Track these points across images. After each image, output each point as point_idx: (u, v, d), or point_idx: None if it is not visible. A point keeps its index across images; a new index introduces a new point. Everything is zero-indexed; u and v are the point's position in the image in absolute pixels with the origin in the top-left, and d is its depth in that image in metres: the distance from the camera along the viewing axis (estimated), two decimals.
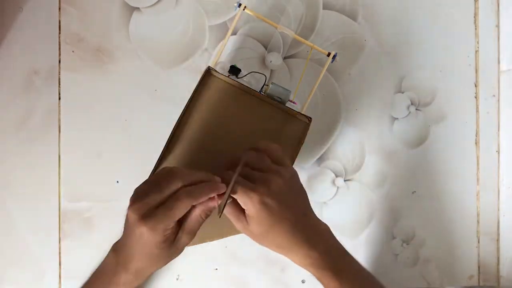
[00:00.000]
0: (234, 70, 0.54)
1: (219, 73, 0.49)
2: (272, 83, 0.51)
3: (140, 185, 0.43)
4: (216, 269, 0.58)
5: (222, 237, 0.50)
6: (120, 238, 0.45)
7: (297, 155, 0.49)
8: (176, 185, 0.41)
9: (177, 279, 0.58)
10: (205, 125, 0.49)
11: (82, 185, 0.57)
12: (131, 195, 0.42)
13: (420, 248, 0.59)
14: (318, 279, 0.44)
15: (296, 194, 0.44)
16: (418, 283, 0.59)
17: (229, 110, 0.49)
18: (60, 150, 0.57)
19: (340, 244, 0.46)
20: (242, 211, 0.43)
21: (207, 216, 0.43)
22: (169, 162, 0.49)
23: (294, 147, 0.50)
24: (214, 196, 0.42)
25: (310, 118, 0.50)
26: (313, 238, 0.43)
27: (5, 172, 0.57)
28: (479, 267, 0.60)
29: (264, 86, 0.52)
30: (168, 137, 0.49)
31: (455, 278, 0.59)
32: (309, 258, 0.43)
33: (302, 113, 0.50)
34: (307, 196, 0.45)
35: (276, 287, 0.58)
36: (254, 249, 0.58)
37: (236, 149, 0.48)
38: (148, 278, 0.49)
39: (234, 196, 0.42)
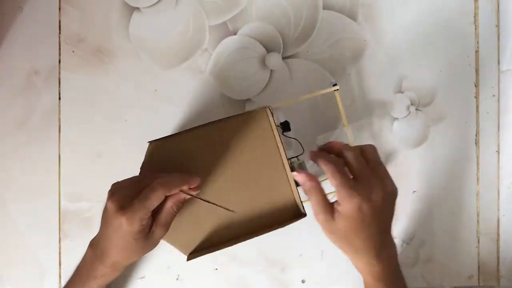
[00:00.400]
0: (285, 126, 0.53)
1: (273, 116, 0.49)
2: (303, 161, 0.50)
3: (118, 181, 0.47)
4: (216, 269, 0.58)
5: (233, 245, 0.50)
6: (98, 233, 0.48)
7: (268, 231, 0.48)
8: (151, 179, 0.44)
9: (177, 279, 0.58)
10: (223, 142, 0.49)
11: (82, 185, 0.57)
12: (109, 189, 0.45)
13: (420, 248, 0.59)
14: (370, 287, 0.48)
15: (388, 211, 0.45)
16: (418, 283, 0.59)
17: (252, 148, 0.49)
18: (60, 150, 0.57)
19: (399, 266, 0.48)
20: (331, 205, 0.44)
21: (178, 208, 0.46)
22: (169, 143, 0.49)
23: (273, 224, 0.49)
24: (184, 189, 0.45)
25: (306, 214, 0.49)
26: (383, 253, 0.45)
27: (5, 172, 0.57)
28: (479, 267, 0.60)
29: (295, 158, 0.51)
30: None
31: (455, 278, 0.59)
32: (372, 267, 0.45)
33: (303, 204, 0.50)
34: (393, 217, 0.46)
35: (276, 287, 0.58)
36: (254, 249, 0.58)
37: (226, 177, 0.49)
38: (125, 270, 0.50)
39: (335, 184, 0.43)
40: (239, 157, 0.49)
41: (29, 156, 0.57)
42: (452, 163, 0.59)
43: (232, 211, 0.48)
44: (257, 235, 0.48)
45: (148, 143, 0.50)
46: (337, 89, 0.53)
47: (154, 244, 0.47)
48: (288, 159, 0.50)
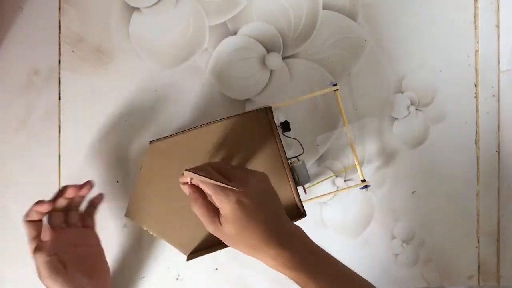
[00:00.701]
0: (285, 126, 0.54)
1: (273, 116, 0.50)
2: (303, 162, 0.51)
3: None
4: (216, 269, 0.58)
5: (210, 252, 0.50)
6: None
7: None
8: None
9: (177, 279, 0.58)
10: (223, 141, 0.49)
11: None
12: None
13: (420, 248, 0.59)
14: (294, 280, 0.43)
15: (269, 195, 0.44)
16: (418, 283, 0.59)
17: (252, 148, 0.50)
18: (60, 150, 0.57)
19: (315, 245, 0.45)
20: (216, 212, 0.43)
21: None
22: (169, 143, 0.49)
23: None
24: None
25: (305, 214, 0.50)
26: (284, 238, 0.43)
27: (5, 172, 0.57)
28: (479, 267, 0.60)
29: (295, 158, 0.52)
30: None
31: (455, 278, 0.59)
32: (280, 258, 0.42)
33: (303, 204, 0.50)
34: (278, 198, 0.45)
35: (276, 287, 0.58)
36: None
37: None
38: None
39: (210, 193, 0.42)
40: (239, 157, 0.49)
41: (29, 156, 0.57)
42: (452, 163, 0.59)
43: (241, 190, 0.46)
44: None
45: (148, 143, 0.50)
46: (337, 89, 0.53)
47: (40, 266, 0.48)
48: (288, 159, 0.50)
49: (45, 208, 0.47)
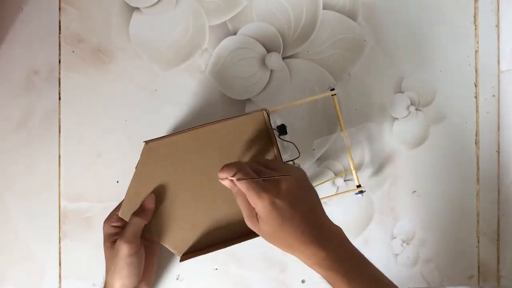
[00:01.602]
0: (281, 129, 0.53)
1: (269, 119, 0.50)
2: (299, 165, 0.51)
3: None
4: (216, 269, 0.58)
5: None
6: None
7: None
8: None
9: (177, 279, 0.58)
10: (219, 143, 0.49)
11: (82, 185, 0.57)
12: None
13: (420, 248, 0.59)
14: (327, 280, 0.43)
15: (305, 193, 0.44)
16: (418, 283, 0.59)
17: (248, 152, 0.50)
18: (60, 150, 0.57)
19: (353, 247, 0.44)
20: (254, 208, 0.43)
21: (144, 216, 0.49)
22: (164, 143, 0.50)
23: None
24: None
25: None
26: (321, 237, 0.42)
27: (5, 172, 0.57)
28: (479, 267, 0.60)
29: (292, 161, 0.52)
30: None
31: (455, 278, 0.59)
32: (315, 257, 0.42)
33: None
34: (317, 195, 0.45)
35: (276, 287, 0.58)
36: (254, 249, 0.58)
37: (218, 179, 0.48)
38: None
39: (244, 192, 0.42)
40: (234, 159, 0.49)
41: (29, 156, 0.57)
42: (452, 163, 0.59)
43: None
44: (251, 238, 0.48)
45: (144, 143, 0.50)
46: (335, 94, 0.53)
47: (117, 257, 0.49)
48: (284, 163, 0.50)
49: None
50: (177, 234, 0.49)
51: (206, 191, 0.49)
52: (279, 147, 0.50)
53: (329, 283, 0.43)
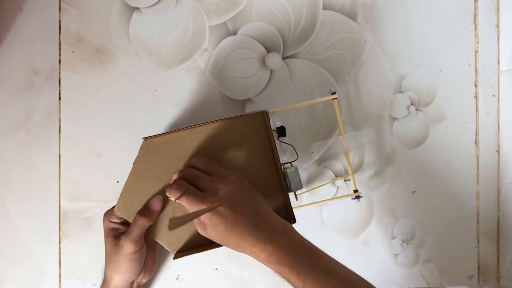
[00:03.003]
0: (280, 131, 0.54)
1: (269, 120, 0.50)
2: (296, 168, 0.51)
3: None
4: (216, 269, 0.58)
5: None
6: None
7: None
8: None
9: (177, 279, 0.58)
10: (217, 142, 0.50)
11: (82, 185, 0.57)
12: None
13: (420, 248, 0.59)
14: (280, 275, 0.44)
15: (245, 194, 0.46)
16: (418, 283, 0.59)
17: (246, 152, 0.50)
18: (60, 150, 0.57)
19: (304, 240, 0.45)
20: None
21: (149, 217, 0.49)
22: (162, 140, 0.50)
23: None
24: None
25: (295, 220, 0.49)
26: (267, 234, 0.44)
27: (5, 172, 0.57)
28: (479, 267, 0.60)
29: (289, 164, 0.52)
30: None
31: (455, 278, 0.59)
32: (264, 254, 0.43)
33: (293, 210, 0.50)
34: (257, 194, 0.47)
35: (276, 287, 0.58)
36: None
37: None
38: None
39: (186, 207, 0.45)
40: (232, 159, 0.49)
41: (29, 156, 0.57)
42: (452, 163, 0.59)
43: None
44: None
45: (143, 139, 0.50)
46: (336, 98, 0.53)
47: (119, 254, 0.49)
48: (281, 165, 0.50)
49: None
50: (172, 232, 0.49)
51: None
52: (277, 149, 0.50)
53: (283, 278, 0.44)
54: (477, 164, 0.60)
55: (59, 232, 0.57)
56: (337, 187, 0.59)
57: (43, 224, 0.57)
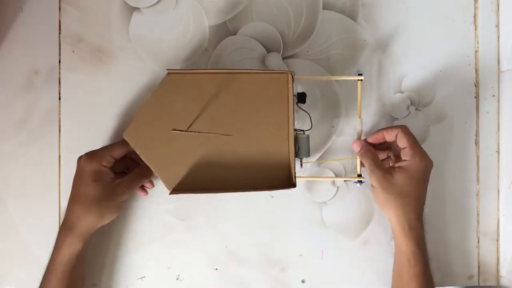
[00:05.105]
0: (301, 96, 0.55)
1: (293, 82, 0.50)
2: (308, 136, 0.52)
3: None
4: (216, 269, 0.58)
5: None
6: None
7: (255, 190, 0.49)
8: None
9: (177, 279, 0.58)
10: (236, 91, 0.50)
11: None
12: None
13: None
14: (402, 250, 0.51)
15: (428, 181, 0.52)
16: None
17: (262, 105, 0.50)
18: (60, 150, 0.57)
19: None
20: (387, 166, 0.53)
21: (143, 177, 0.53)
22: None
23: (263, 185, 0.49)
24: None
25: (295, 185, 0.49)
26: (421, 221, 0.52)
27: (5, 172, 0.57)
28: (479, 267, 0.60)
29: (302, 131, 0.53)
30: None
31: (455, 278, 0.59)
32: (415, 231, 0.51)
33: (295, 175, 0.50)
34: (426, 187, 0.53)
35: (276, 287, 0.58)
36: (254, 249, 0.58)
37: (232, 117, 0.49)
38: (90, 239, 0.51)
39: (404, 145, 0.51)
40: (249, 112, 0.50)
41: (29, 156, 0.57)
42: (452, 163, 0.59)
43: (229, 135, 0.49)
44: (243, 191, 0.49)
45: (167, 72, 0.49)
46: (361, 79, 0.53)
47: (115, 203, 0.51)
48: (294, 130, 0.50)
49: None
50: (172, 168, 0.49)
51: (213, 137, 0.49)
52: (294, 114, 0.50)
53: (406, 255, 0.51)
54: (477, 164, 0.60)
55: None
56: (337, 187, 0.59)
57: (43, 224, 0.57)
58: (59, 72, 0.57)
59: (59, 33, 0.57)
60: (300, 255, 0.58)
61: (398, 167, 0.51)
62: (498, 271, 0.60)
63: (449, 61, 0.59)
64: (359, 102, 0.53)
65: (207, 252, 0.58)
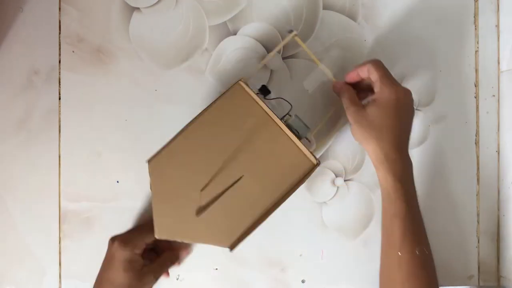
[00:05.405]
0: (264, 90, 0.54)
1: (248, 87, 0.50)
2: (295, 115, 0.51)
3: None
4: (216, 269, 0.58)
5: (199, 243, 0.51)
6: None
7: (293, 191, 0.49)
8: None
9: (177, 279, 0.58)
10: (215, 130, 0.49)
11: (82, 185, 0.57)
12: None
13: None
14: (385, 184, 0.49)
15: (412, 113, 0.51)
16: None
17: (244, 124, 0.49)
18: (60, 150, 0.57)
19: (415, 187, 0.50)
20: (360, 102, 0.51)
21: (176, 262, 0.55)
22: (165, 154, 0.49)
23: (293, 183, 0.49)
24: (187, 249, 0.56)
25: (319, 161, 0.49)
26: (404, 154, 0.49)
27: (5, 172, 0.57)
28: (479, 267, 0.60)
29: (287, 115, 0.52)
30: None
31: (455, 278, 0.59)
32: (392, 163, 0.48)
33: (313, 153, 0.49)
34: (412, 117, 0.51)
35: (276, 287, 0.58)
36: (254, 249, 0.58)
37: (232, 160, 0.49)
38: None
39: (377, 78, 0.49)
40: (234, 137, 0.49)
41: (29, 156, 0.57)
42: (452, 163, 0.59)
43: (241, 177, 0.49)
44: (281, 203, 0.49)
45: (147, 162, 0.49)
46: (296, 34, 0.54)
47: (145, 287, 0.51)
48: (281, 119, 0.50)
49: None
50: (217, 230, 0.49)
51: (223, 176, 0.49)
52: (270, 107, 0.50)
53: (386, 190, 0.49)
54: (477, 164, 0.60)
55: (59, 232, 0.57)
56: (337, 187, 0.59)
57: (43, 224, 0.57)
58: (59, 72, 0.57)
59: (59, 33, 0.57)
60: (300, 255, 0.58)
61: (371, 100, 0.49)
62: (498, 271, 0.60)
63: (449, 61, 0.59)
64: (308, 52, 0.55)
65: (207, 252, 0.58)
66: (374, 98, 0.49)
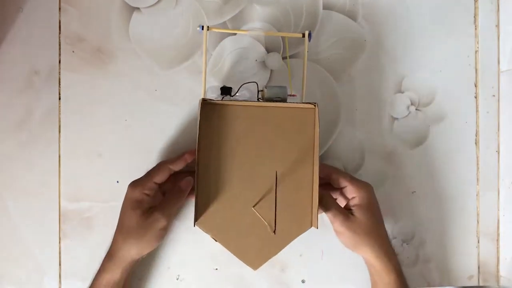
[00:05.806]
0: (225, 90, 0.53)
1: (213, 100, 0.49)
2: (265, 86, 0.51)
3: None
4: (216, 269, 0.58)
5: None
6: None
7: (318, 143, 0.49)
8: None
9: (177, 279, 0.58)
10: (222, 151, 0.49)
11: (82, 185, 0.57)
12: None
13: (420, 248, 0.59)
14: (378, 268, 0.51)
15: (377, 207, 0.52)
16: (418, 283, 0.59)
17: (240, 128, 0.49)
18: (60, 150, 0.57)
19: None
20: (344, 209, 0.51)
21: (182, 196, 0.51)
22: (204, 201, 0.48)
23: (312, 136, 0.49)
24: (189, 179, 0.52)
25: (315, 103, 0.49)
26: (393, 253, 0.52)
27: (5, 172, 0.57)
28: (479, 267, 0.60)
29: (259, 92, 0.52)
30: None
31: (455, 278, 0.59)
32: (393, 259, 0.51)
33: (304, 102, 0.49)
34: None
35: (276, 287, 0.58)
36: None
37: (265, 160, 0.49)
38: (130, 269, 0.52)
39: (346, 183, 0.51)
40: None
41: (29, 156, 0.57)
42: (452, 163, 0.59)
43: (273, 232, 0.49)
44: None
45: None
46: (305, 36, 0.52)
47: (151, 229, 0.50)
48: (258, 100, 0.51)
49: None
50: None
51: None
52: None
53: (381, 272, 0.51)
54: (477, 164, 0.60)
55: (59, 232, 0.57)
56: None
57: (43, 224, 0.57)
58: (59, 72, 0.57)
59: (59, 33, 0.57)
60: (300, 255, 0.58)
61: (353, 205, 0.51)
62: (498, 271, 0.60)
63: (449, 61, 0.59)
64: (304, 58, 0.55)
65: (207, 252, 0.58)
66: (356, 203, 0.50)
